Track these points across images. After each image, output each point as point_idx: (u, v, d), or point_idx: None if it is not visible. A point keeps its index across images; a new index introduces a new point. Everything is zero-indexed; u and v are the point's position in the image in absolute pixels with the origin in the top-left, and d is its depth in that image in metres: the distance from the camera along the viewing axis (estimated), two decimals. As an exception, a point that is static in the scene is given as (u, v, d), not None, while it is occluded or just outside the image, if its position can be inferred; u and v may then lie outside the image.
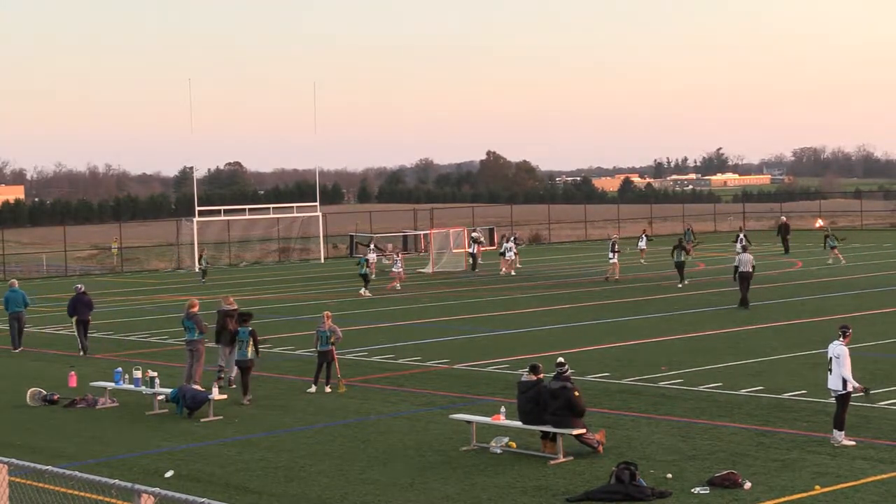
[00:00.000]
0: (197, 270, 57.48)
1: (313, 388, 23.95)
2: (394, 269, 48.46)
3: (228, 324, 24.81)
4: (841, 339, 18.08)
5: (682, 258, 44.35)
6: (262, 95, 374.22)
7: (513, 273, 53.41)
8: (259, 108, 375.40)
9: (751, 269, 37.13)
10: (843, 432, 17.74)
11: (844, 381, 17.75)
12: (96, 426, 21.38)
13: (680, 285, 43.76)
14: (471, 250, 57.55)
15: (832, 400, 18.25)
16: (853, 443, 17.65)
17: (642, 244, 58.78)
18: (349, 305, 41.43)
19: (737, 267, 37.45)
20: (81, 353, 30.95)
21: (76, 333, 31.52)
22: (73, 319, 31.66)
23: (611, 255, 48.03)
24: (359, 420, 21.03)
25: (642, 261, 57.96)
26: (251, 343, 23.51)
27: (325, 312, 24.82)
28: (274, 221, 77.46)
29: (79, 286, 33.13)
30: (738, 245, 46.73)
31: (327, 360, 23.98)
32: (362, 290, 45.10)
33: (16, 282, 34.67)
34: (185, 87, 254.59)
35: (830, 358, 17.97)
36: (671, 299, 40.01)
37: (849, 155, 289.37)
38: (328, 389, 23.91)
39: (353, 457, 18.08)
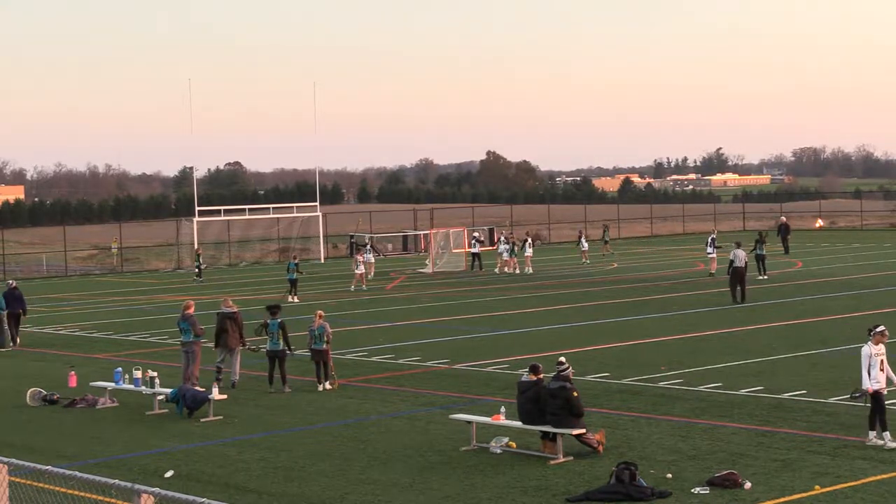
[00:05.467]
0: (196, 270, 57.46)
1: (321, 388, 24.16)
2: (356, 271, 48.46)
3: (228, 326, 24.83)
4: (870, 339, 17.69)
5: (763, 251, 46.46)
6: (262, 95, 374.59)
7: (517, 272, 53.84)
8: (259, 108, 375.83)
9: (744, 265, 38.05)
10: (887, 432, 17.34)
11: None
12: (96, 426, 21.38)
13: (761, 277, 45.50)
14: (473, 250, 57.62)
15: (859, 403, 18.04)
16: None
17: (584, 246, 59.58)
18: (349, 305, 41.42)
19: (732, 261, 38.31)
20: (11, 345, 32.76)
21: (6, 326, 33.08)
22: (6, 313, 33.07)
23: (709, 249, 49.04)
24: (359, 420, 21.03)
25: (585, 261, 58.45)
26: (281, 334, 24.21)
27: (318, 311, 25.09)
28: (274, 221, 77.43)
29: (10, 282, 35.07)
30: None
31: (321, 358, 24.15)
32: (290, 297, 43.63)
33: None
34: (185, 87, 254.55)
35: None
36: (671, 299, 40.02)
37: (849, 155, 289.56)
38: (329, 387, 24.00)
39: (353, 457, 18.08)
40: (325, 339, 24.15)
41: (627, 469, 15.41)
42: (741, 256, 38.23)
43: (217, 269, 66.77)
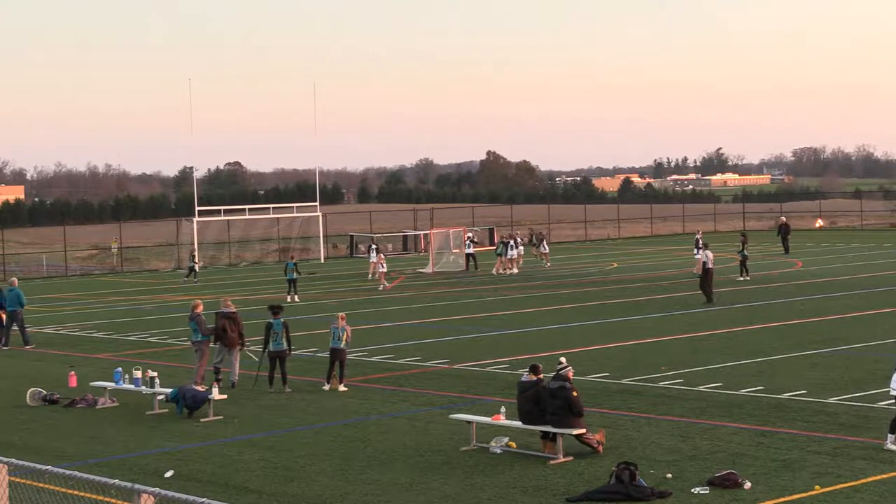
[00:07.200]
0: (188, 269, 57.36)
1: (327, 387, 24.19)
2: (381, 270, 48.83)
3: (228, 326, 24.84)
4: None
5: (746, 253, 47.13)
6: (262, 95, 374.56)
7: (515, 271, 53.70)
8: (259, 108, 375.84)
9: (711, 266, 38.78)
10: (892, 435, 17.25)
11: None
12: (96, 426, 21.38)
13: (746, 278, 45.95)
14: (468, 251, 57.60)
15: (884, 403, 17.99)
16: None
17: (545, 248, 59.08)
18: (349, 306, 41.39)
19: (704, 263, 38.60)
20: (3, 346, 32.81)
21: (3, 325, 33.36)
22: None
23: (696, 251, 49.60)
24: (359, 420, 21.03)
25: (547, 264, 57.81)
26: (285, 333, 24.22)
27: (340, 314, 25.10)
28: (274, 221, 77.45)
29: (13, 280, 35.21)
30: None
31: (338, 358, 24.15)
32: (290, 297, 43.69)
33: (15, 280, 34.93)
34: (185, 87, 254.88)
35: None
36: (671, 299, 40.03)
37: (849, 155, 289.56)
38: (342, 388, 23.96)
39: (353, 457, 18.08)
40: (345, 339, 24.18)
41: (627, 469, 15.40)
42: (711, 258, 38.72)
43: (217, 268, 66.78)
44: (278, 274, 54.11)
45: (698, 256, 48.85)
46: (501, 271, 53.55)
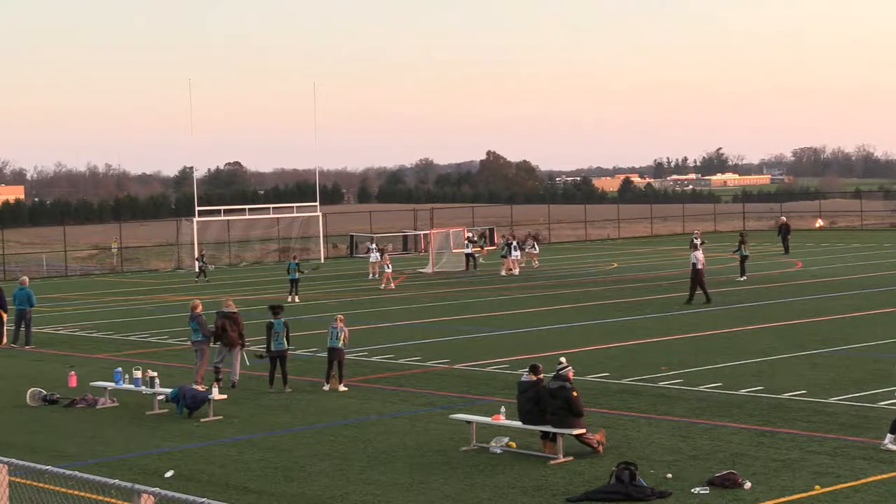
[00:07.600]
0: (196, 269, 57.63)
1: (326, 387, 24.20)
2: (386, 270, 48.96)
3: (228, 326, 24.83)
4: None
5: (746, 252, 46.69)
6: (262, 95, 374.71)
7: (516, 271, 53.61)
8: (259, 108, 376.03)
9: (702, 267, 38.70)
10: (891, 435, 17.20)
11: None
12: (96, 426, 21.38)
13: (741, 278, 45.77)
14: (466, 251, 57.62)
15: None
16: None
17: (535, 250, 58.92)
18: (349, 306, 41.40)
19: (694, 264, 38.51)
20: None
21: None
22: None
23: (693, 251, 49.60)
24: (359, 420, 21.03)
25: (535, 264, 57.62)
26: (286, 333, 24.31)
27: (338, 316, 25.18)
28: (274, 221, 77.46)
29: (24, 279, 35.33)
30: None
31: (336, 357, 24.17)
32: (291, 297, 43.69)
33: (26, 279, 35.14)
34: (185, 87, 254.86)
35: None
36: (671, 299, 40.01)
37: (849, 155, 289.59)
38: (342, 388, 23.96)
39: (353, 457, 18.07)
40: (343, 340, 24.20)
41: (627, 469, 15.40)
42: (701, 258, 38.73)
43: (217, 269, 66.75)
44: (278, 274, 54.15)
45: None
46: (505, 272, 53.50)
